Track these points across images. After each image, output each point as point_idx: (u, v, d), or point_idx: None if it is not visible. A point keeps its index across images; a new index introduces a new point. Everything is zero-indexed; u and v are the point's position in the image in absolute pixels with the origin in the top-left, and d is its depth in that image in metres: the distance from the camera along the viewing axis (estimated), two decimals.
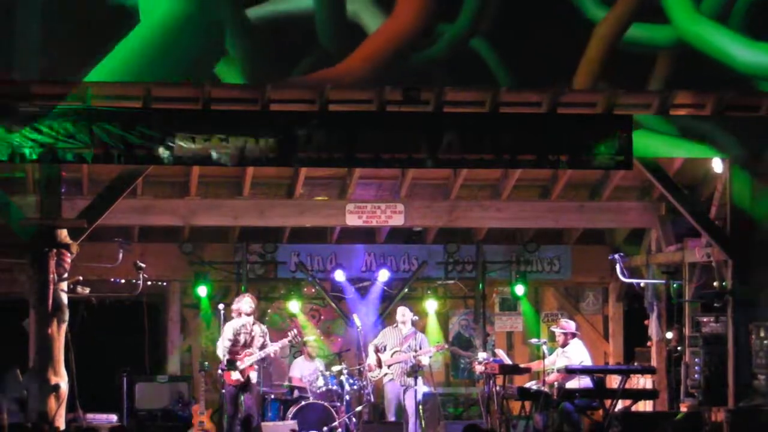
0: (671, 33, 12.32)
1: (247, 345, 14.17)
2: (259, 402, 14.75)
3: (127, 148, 11.61)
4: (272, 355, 14.62)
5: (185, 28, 11.55)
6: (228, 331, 14.19)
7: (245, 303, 14.29)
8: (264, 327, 14.56)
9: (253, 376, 14.24)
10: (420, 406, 14.77)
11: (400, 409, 14.94)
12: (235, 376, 14.02)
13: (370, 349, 15.20)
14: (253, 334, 14.22)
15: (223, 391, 14.25)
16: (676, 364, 14.67)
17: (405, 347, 14.95)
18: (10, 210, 12.51)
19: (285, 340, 14.74)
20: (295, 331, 15.22)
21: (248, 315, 14.26)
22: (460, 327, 17.66)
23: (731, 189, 13.29)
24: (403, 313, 15.22)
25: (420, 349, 14.87)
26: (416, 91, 11.89)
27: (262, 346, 14.26)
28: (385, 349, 15.11)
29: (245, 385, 14.13)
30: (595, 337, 17.41)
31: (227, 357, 14.13)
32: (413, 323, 15.18)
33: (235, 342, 14.11)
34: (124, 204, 13.45)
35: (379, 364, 15.09)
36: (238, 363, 14.04)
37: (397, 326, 15.24)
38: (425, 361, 14.89)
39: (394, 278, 16.64)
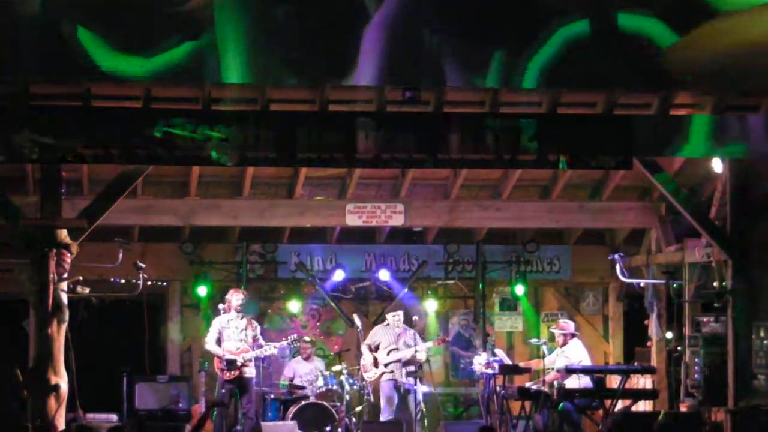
0: None
1: (237, 341, 14.25)
2: (257, 402, 14.75)
3: (127, 148, 11.59)
4: (267, 354, 14.66)
5: None
6: (214, 325, 14.46)
7: (236, 298, 14.44)
8: (255, 323, 14.65)
9: (250, 372, 14.29)
10: (421, 406, 14.79)
11: (396, 409, 14.92)
12: (230, 370, 14.12)
13: (364, 348, 15.21)
14: (240, 328, 14.33)
15: (219, 386, 14.35)
16: (676, 364, 14.68)
17: (401, 344, 14.99)
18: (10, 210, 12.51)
19: (284, 342, 14.84)
20: (295, 335, 15.30)
21: (237, 312, 14.40)
22: (460, 327, 17.64)
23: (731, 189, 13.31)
24: (394, 314, 15.29)
25: (414, 343, 14.92)
26: (416, 92, 11.88)
27: (257, 344, 14.36)
28: (377, 348, 15.15)
29: (241, 382, 14.19)
30: (595, 337, 17.41)
31: (227, 357, 14.19)
32: (414, 322, 15.22)
33: (219, 338, 14.29)
34: (124, 204, 13.43)
35: (376, 364, 15.11)
36: (236, 359, 14.11)
37: (388, 324, 15.28)
38: (422, 356, 14.92)
39: (394, 278, 16.64)
